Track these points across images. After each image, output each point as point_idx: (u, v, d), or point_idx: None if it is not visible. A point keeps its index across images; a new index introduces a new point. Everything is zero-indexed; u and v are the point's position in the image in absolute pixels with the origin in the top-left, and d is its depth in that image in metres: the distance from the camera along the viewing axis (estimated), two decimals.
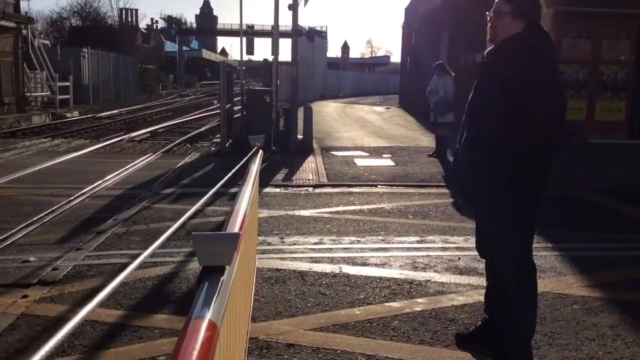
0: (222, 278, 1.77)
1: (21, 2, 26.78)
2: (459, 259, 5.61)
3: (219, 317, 1.57)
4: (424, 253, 5.81)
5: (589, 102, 14.40)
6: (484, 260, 3.79)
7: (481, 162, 3.30)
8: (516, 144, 3.13)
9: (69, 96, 28.62)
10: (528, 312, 3.43)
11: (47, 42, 39.12)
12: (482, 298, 4.00)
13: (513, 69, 3.21)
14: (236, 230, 2.41)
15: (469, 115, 3.45)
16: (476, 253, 3.84)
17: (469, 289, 4.81)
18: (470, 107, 3.45)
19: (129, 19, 64.13)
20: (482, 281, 4.38)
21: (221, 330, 1.60)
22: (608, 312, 4.37)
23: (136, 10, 66.20)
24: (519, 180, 3.19)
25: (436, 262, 5.51)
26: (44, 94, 26.90)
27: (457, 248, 5.98)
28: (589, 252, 5.91)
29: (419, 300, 4.57)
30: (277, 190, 9.02)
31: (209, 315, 1.51)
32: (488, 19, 3.39)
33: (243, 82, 15.92)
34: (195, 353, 1.32)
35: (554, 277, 5.14)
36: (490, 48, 3.43)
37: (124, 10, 61.82)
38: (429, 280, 5.01)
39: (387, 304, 4.50)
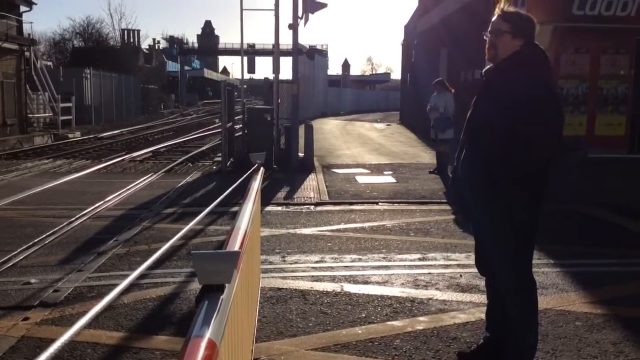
0: (222, 296, 1.77)
1: (24, 24, 27.05)
2: (461, 276, 5.59)
3: (219, 336, 1.57)
4: (426, 271, 5.79)
5: (588, 116, 14.42)
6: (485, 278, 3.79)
7: (480, 178, 3.31)
8: (513, 161, 3.15)
9: (71, 117, 28.79)
10: (529, 329, 3.41)
11: (49, 63, 39.41)
12: (484, 316, 3.99)
13: (512, 87, 3.24)
14: (236, 248, 2.41)
15: (468, 133, 3.47)
16: (477, 270, 3.83)
17: (471, 307, 4.80)
18: (468, 124, 3.47)
19: (131, 40, 64.51)
20: (484, 299, 4.36)
21: (221, 350, 1.59)
22: (610, 329, 4.34)
23: (138, 30, 66.41)
24: (517, 197, 3.20)
25: (438, 280, 5.49)
26: (46, 115, 27.08)
27: (458, 265, 5.97)
28: (590, 268, 5.89)
29: (421, 318, 4.56)
30: (279, 208, 9.03)
31: (208, 334, 1.51)
32: (486, 38, 3.43)
33: (244, 100, 16.00)
34: None
35: (556, 294, 5.12)
36: (489, 66, 3.46)
37: (126, 31, 62.29)
38: (430, 298, 4.99)
39: (388, 322, 4.48)
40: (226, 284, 1.84)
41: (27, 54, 25.33)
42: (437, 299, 4.98)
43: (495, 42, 3.37)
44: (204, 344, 1.46)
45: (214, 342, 1.50)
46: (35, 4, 27.03)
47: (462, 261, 6.09)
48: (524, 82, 3.22)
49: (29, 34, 27.81)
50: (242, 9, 15.21)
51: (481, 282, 5.08)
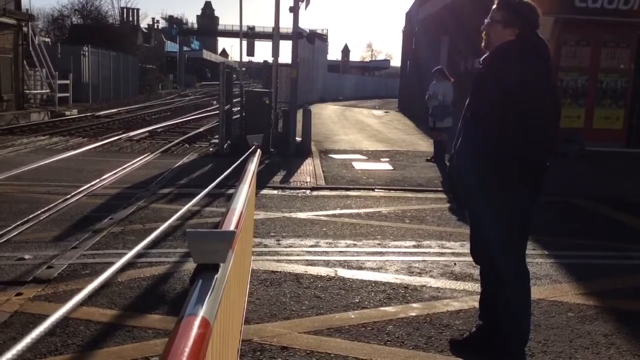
0: (216, 276, 1.76)
1: None
2: (455, 264, 5.61)
3: (212, 315, 1.57)
4: (420, 258, 5.80)
5: (587, 110, 14.43)
6: (479, 266, 3.80)
7: (478, 165, 3.32)
8: (512, 147, 3.16)
9: (68, 94, 28.58)
10: (523, 317, 3.43)
11: (47, 39, 39.13)
12: (477, 304, 4.00)
13: (507, 75, 3.25)
14: (232, 228, 2.41)
15: (466, 120, 3.47)
16: (472, 259, 3.84)
17: (464, 295, 4.81)
18: (466, 112, 3.47)
19: (130, 18, 64.10)
20: (478, 287, 4.37)
21: (214, 328, 1.59)
22: (602, 321, 4.37)
23: (137, 9, 66.15)
24: (515, 184, 3.21)
25: (432, 267, 5.50)
26: (43, 91, 26.87)
27: (453, 253, 5.98)
28: (584, 260, 5.91)
29: (414, 305, 4.57)
30: (275, 192, 9.02)
31: (202, 313, 1.50)
32: (483, 26, 3.43)
33: (243, 83, 15.93)
34: (187, 350, 1.31)
35: (549, 285, 5.14)
36: (485, 55, 3.46)
37: (125, 10, 61.88)
38: (424, 286, 5.01)
39: (382, 308, 4.49)
40: (221, 264, 1.83)
41: (24, 29, 25.07)
42: (430, 286, 4.99)
43: (489, 30, 3.39)
44: (197, 322, 1.45)
45: (208, 321, 1.49)
46: None
47: (457, 249, 6.10)
48: (516, 70, 3.22)
49: (27, 9, 27.55)
50: None
51: (475, 271, 5.09)
